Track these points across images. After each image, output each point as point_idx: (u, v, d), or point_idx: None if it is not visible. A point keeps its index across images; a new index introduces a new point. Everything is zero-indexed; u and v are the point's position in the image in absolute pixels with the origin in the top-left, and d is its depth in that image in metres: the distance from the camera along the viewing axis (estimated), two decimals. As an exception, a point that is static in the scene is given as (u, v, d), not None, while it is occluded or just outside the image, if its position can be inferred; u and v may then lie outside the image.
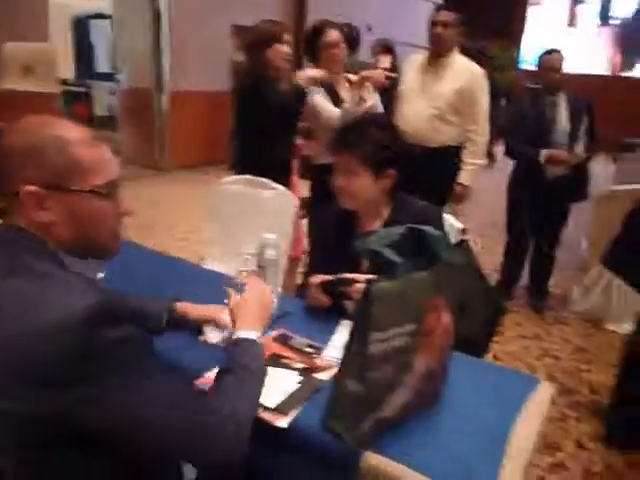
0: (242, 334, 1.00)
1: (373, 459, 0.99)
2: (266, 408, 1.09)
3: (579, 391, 2.64)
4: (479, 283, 1.55)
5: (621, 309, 3.11)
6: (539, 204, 3.19)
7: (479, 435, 1.04)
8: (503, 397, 1.15)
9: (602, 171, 4.60)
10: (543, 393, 1.20)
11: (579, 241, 3.73)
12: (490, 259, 3.71)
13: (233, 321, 1.06)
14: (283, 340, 1.37)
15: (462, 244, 1.42)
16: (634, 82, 8.72)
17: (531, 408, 1.14)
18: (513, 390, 1.18)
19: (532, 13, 9.63)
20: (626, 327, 2.68)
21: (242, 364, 0.93)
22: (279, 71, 2.56)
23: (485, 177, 3.94)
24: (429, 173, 2.78)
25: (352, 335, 0.92)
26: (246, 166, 2.56)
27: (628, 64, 9.03)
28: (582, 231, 3.69)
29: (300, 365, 1.26)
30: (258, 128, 2.54)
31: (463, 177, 2.99)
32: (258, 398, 0.94)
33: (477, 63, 2.98)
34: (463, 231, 1.89)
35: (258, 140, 2.57)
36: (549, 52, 3.20)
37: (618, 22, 8.96)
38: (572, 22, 9.53)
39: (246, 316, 1.04)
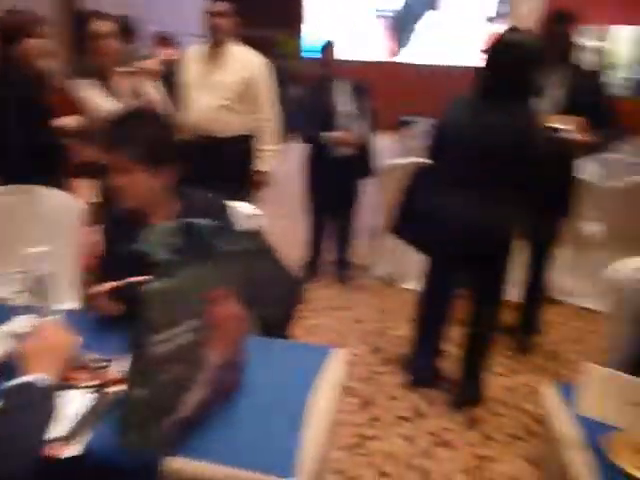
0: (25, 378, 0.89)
1: (176, 463, 0.96)
2: (55, 439, 0.99)
3: (387, 348, 2.91)
4: (273, 266, 1.61)
5: (410, 268, 3.48)
6: (331, 183, 3.41)
7: (278, 415, 1.08)
8: (299, 372, 1.20)
9: (387, 148, 5.07)
10: (337, 359, 1.28)
11: (373, 213, 4.08)
12: (295, 239, 3.88)
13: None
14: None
15: (253, 230, 1.43)
16: (405, 66, 9.72)
17: (327, 376, 1.21)
18: (309, 363, 1.24)
19: (311, 3, 10.17)
20: (414, 284, 3.02)
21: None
22: (32, 66, 2.31)
23: (287, 162, 4.08)
24: (223, 163, 2.77)
25: (131, 341, 0.88)
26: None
27: (399, 50, 10.09)
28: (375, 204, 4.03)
29: (91, 382, 1.17)
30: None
31: (260, 164, 3.05)
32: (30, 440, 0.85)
33: (261, 52, 3.05)
34: (257, 217, 1.93)
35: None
36: (328, 43, 3.42)
37: (391, 13, 9.93)
38: (350, 12, 10.29)
39: (33, 361, 0.93)
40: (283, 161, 3.54)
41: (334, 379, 1.20)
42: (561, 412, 1.12)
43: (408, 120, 5.95)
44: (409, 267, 3.49)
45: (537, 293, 2.92)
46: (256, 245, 1.45)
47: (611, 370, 1.07)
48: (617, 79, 7.48)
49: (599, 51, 7.53)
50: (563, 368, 2.79)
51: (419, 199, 2.38)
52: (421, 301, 2.50)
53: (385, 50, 10.09)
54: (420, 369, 2.58)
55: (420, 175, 2.43)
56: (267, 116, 3.03)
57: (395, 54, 10.08)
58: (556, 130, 2.36)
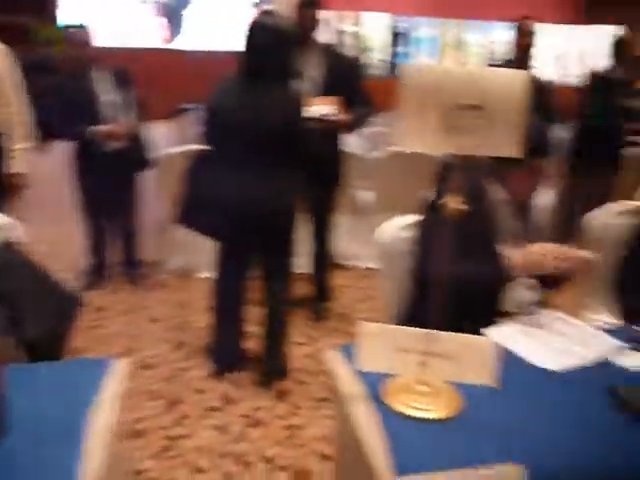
0: None
1: None
2: None
3: (191, 342, 2.83)
4: (33, 281, 1.42)
5: (204, 257, 3.42)
6: (104, 180, 3.14)
7: (54, 447, 0.95)
8: (72, 393, 1.08)
9: (165, 137, 4.87)
10: (119, 369, 1.18)
11: (157, 205, 3.90)
12: (72, 245, 3.53)
13: None
14: None
15: (7, 244, 1.24)
16: (180, 53, 9.42)
17: (108, 387, 1.11)
18: (83, 381, 1.12)
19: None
20: (211, 272, 2.98)
21: None
22: None
23: (50, 159, 3.66)
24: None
25: None
26: None
27: (172, 37, 9.73)
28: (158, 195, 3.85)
29: None
30: None
31: (14, 165, 2.68)
32: None
33: (15, 39, 2.66)
34: (9, 228, 1.68)
35: None
36: (78, 27, 3.10)
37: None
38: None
39: None
40: (44, 159, 3.16)
41: (112, 394, 1.11)
42: (342, 370, 1.20)
43: (186, 107, 5.80)
44: (203, 256, 3.42)
45: (324, 262, 3.11)
46: (7, 259, 1.25)
47: (381, 324, 1.17)
48: (373, 61, 8.28)
49: (356, 35, 8.23)
50: (354, 328, 3.04)
51: (200, 186, 2.34)
52: (216, 288, 2.47)
53: (159, 37, 9.66)
54: (224, 356, 2.57)
55: (198, 162, 2.39)
56: (15, 109, 2.66)
57: (169, 41, 9.71)
58: (320, 119, 2.50)
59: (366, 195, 3.71)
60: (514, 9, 8.94)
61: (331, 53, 2.78)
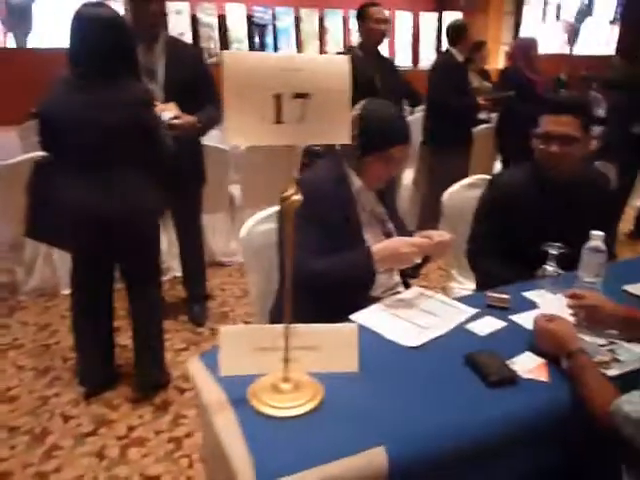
0: None
1: None
2: None
3: (55, 366, 2.60)
4: None
5: (65, 272, 3.16)
6: None
7: None
8: None
9: (8, 145, 4.41)
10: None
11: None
12: None
13: None
14: None
15: None
16: (28, 52, 8.55)
17: None
18: None
19: None
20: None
21: None
22: None
23: None
24: None
25: None
26: None
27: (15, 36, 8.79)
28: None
29: None
30: None
31: None
32: None
33: None
34: None
35: None
36: None
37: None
38: None
39: None
40: None
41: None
42: (203, 378, 1.14)
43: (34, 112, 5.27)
44: (62, 271, 3.16)
45: (196, 262, 3.01)
46: None
47: (241, 326, 1.13)
48: (234, 50, 8.14)
49: (213, 27, 8.03)
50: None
51: (44, 195, 2.14)
52: (73, 303, 2.28)
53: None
54: (93, 376, 2.38)
55: (40, 170, 2.17)
56: None
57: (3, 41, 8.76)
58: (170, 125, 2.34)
59: (236, 190, 3.65)
60: (368, -2, 9.32)
61: (173, 47, 2.56)
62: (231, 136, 0.84)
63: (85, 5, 1.95)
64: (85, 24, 1.93)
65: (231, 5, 8.12)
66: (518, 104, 3.76)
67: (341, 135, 0.86)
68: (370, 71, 2.91)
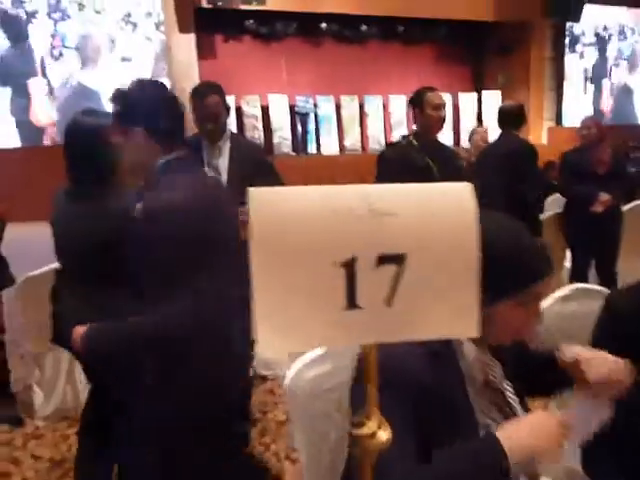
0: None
1: None
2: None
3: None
4: None
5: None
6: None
7: None
8: None
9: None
10: None
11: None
12: None
13: None
14: None
15: None
16: None
17: None
18: None
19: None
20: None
21: None
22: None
23: None
24: None
25: None
26: None
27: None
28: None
29: None
30: None
31: None
32: None
33: None
34: None
35: None
36: None
37: None
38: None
39: None
40: None
41: None
42: None
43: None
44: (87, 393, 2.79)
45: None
46: None
47: None
48: (277, 140, 8.15)
49: (258, 117, 8.11)
50: None
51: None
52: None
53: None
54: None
55: (59, 278, 2.04)
56: None
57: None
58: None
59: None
60: (408, 83, 9.31)
61: (236, 144, 2.51)
62: (265, 342, 0.45)
63: (81, 113, 1.85)
64: (68, 133, 1.84)
65: (274, 96, 8.21)
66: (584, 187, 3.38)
67: (464, 325, 0.47)
68: (427, 163, 2.57)
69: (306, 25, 7.94)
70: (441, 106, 2.64)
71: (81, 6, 6.25)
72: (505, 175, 3.17)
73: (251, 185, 2.01)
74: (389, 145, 2.82)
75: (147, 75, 6.62)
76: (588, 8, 7.78)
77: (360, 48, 8.72)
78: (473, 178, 3.24)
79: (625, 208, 3.61)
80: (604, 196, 3.26)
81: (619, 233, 3.45)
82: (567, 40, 8.46)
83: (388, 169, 2.59)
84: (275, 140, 8.12)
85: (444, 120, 2.69)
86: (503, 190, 3.18)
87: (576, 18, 7.67)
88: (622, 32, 9.04)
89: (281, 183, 2.50)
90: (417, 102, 2.64)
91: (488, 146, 3.76)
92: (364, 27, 8.31)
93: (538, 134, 8.05)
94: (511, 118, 3.44)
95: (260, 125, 8.05)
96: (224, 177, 2.40)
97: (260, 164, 2.48)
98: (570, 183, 3.44)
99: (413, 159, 2.61)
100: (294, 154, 8.05)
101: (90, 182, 1.79)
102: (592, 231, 3.34)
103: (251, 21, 7.71)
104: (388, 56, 8.95)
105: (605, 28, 8.85)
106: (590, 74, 8.97)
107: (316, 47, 8.55)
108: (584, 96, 8.91)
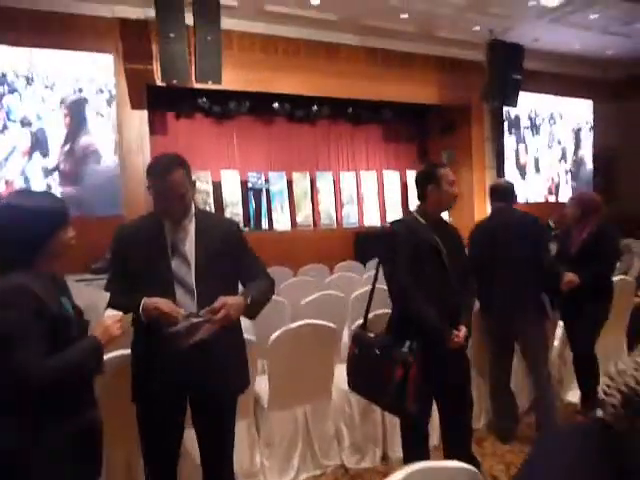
0: None
1: None
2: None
3: None
4: None
5: None
6: None
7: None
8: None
9: None
10: None
11: None
12: None
13: None
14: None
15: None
16: None
17: None
18: None
19: None
20: None
21: None
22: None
23: None
24: None
25: None
26: None
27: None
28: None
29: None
30: None
31: None
32: None
33: None
34: None
35: None
36: None
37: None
38: None
39: None
40: None
41: None
42: None
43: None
44: None
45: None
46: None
47: None
48: (232, 215, 8.02)
49: (209, 193, 7.99)
50: None
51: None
52: None
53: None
54: None
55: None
56: None
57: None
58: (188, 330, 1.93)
59: (259, 387, 3.00)
60: (357, 160, 9.54)
61: (201, 219, 2.16)
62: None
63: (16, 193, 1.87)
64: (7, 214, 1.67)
65: (226, 172, 8.14)
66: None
67: None
68: (437, 241, 2.44)
69: (259, 104, 8.00)
70: (455, 182, 2.55)
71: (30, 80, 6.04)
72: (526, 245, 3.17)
73: (222, 267, 1.79)
74: (396, 221, 2.65)
75: (99, 148, 6.40)
76: (523, 95, 8.36)
77: (311, 127, 8.89)
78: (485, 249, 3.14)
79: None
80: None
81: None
82: (506, 123, 9.04)
83: (403, 244, 2.41)
84: (227, 216, 7.98)
85: (457, 197, 2.60)
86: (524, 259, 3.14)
87: (513, 103, 8.20)
88: (552, 117, 9.79)
89: (256, 262, 2.21)
90: (432, 178, 2.50)
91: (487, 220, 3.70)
92: (315, 107, 8.50)
93: (483, 209, 8.31)
94: (503, 194, 3.52)
95: (211, 201, 7.92)
96: (192, 264, 2.02)
97: (230, 242, 2.14)
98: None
99: (423, 236, 2.49)
100: (246, 229, 7.91)
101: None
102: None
103: (204, 99, 7.71)
104: (338, 135, 9.18)
105: (536, 113, 9.56)
106: (526, 154, 9.56)
107: (269, 125, 8.63)
108: (521, 175, 9.45)
